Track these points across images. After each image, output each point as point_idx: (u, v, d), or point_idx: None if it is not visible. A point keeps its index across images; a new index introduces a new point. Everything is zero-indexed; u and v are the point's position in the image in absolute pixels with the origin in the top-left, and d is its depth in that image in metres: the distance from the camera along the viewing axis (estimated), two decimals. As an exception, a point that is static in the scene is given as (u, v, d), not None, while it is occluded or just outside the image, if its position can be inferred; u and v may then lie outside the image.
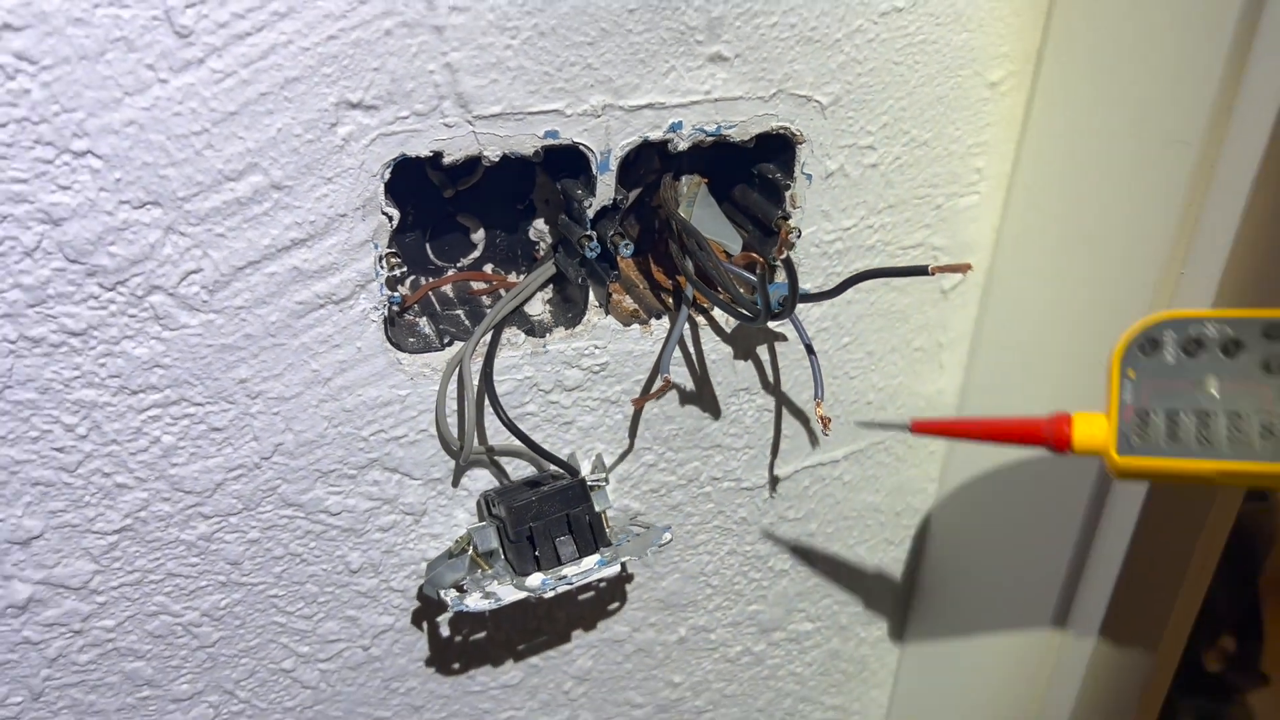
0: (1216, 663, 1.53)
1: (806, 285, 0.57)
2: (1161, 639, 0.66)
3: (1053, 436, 0.44)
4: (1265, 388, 0.41)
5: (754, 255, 0.49)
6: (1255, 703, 1.48)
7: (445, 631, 0.59)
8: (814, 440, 0.64)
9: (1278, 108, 0.47)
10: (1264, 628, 1.52)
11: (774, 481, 0.65)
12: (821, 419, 0.54)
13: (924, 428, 0.48)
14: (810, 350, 0.56)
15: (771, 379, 0.61)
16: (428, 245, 0.55)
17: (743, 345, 0.59)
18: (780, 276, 0.56)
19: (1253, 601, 1.52)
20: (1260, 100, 0.47)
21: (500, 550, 0.51)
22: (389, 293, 0.48)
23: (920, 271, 0.46)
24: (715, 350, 0.58)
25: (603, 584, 0.62)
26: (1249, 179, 0.48)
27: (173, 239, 0.43)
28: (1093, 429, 0.44)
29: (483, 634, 0.60)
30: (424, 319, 0.53)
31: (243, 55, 0.41)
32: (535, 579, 0.49)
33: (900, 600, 0.76)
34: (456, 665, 0.61)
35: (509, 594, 0.48)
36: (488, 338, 0.51)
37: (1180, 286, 0.52)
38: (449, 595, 0.49)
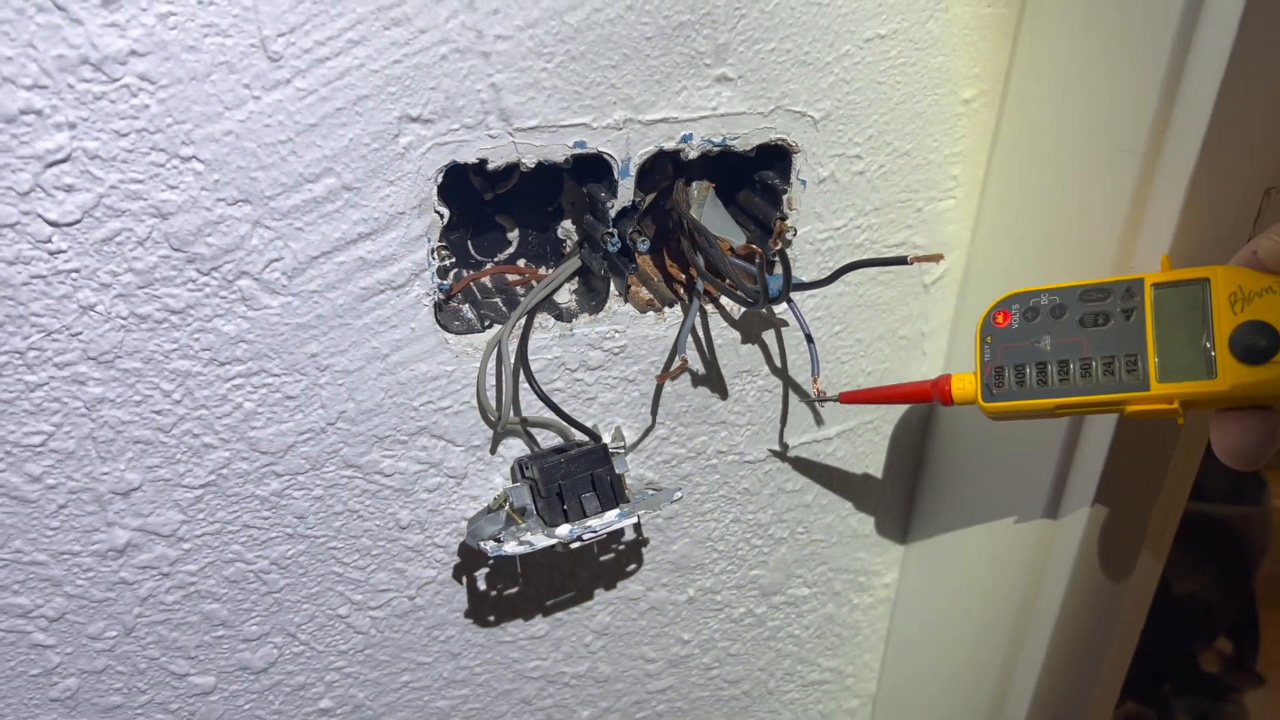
0: (1213, 664, 1.57)
1: (802, 277, 0.65)
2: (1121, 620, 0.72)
3: (939, 394, 0.57)
4: (1082, 338, 0.52)
5: (753, 247, 0.56)
6: (1251, 703, 1.52)
7: (481, 585, 0.66)
8: (810, 419, 0.71)
9: (1207, 120, 0.54)
10: (1260, 629, 1.57)
11: (773, 455, 0.72)
12: (818, 392, 0.62)
13: (850, 397, 0.62)
14: (809, 339, 0.63)
15: (772, 363, 0.68)
16: (470, 242, 0.62)
17: (746, 332, 0.66)
18: (779, 269, 0.63)
19: (1249, 603, 1.56)
20: (1193, 113, 0.54)
21: (532, 506, 0.58)
22: (439, 281, 0.56)
23: (900, 261, 0.54)
24: (721, 336, 0.65)
25: (621, 545, 0.70)
26: (1184, 183, 0.55)
27: (259, 231, 0.50)
28: (964, 384, 0.56)
29: (515, 589, 0.68)
30: (466, 305, 0.61)
31: (322, 76, 0.48)
32: (564, 529, 0.56)
33: (890, 568, 0.83)
34: (491, 617, 0.68)
35: (541, 541, 0.55)
36: (522, 322, 0.59)
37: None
38: (488, 545, 0.56)
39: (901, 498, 0.79)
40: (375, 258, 0.53)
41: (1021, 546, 0.70)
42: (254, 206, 0.50)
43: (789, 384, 0.69)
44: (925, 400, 0.59)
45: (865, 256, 0.66)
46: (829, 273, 0.60)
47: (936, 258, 0.54)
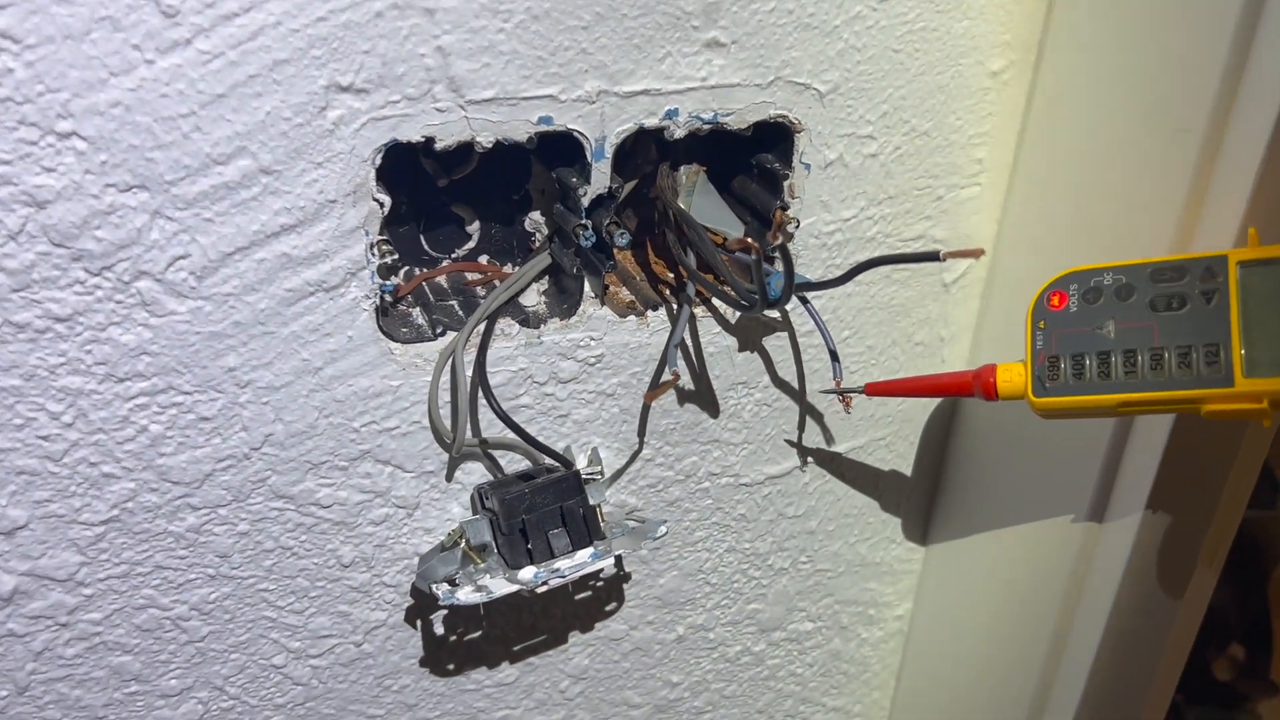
0: (1226, 671, 1.52)
1: (809, 276, 0.57)
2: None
3: (981, 387, 0.50)
4: (1152, 324, 0.45)
5: (749, 241, 0.48)
6: (1265, 712, 1.47)
7: (439, 628, 0.58)
8: (815, 436, 0.63)
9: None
10: (1273, 636, 1.51)
11: (772, 478, 0.64)
12: (842, 397, 0.55)
13: (877, 389, 0.55)
14: (833, 354, 0.56)
15: (771, 373, 0.60)
16: (422, 235, 0.54)
17: (741, 338, 0.58)
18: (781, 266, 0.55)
19: (1262, 610, 1.50)
20: (1266, 85, 0.46)
21: (493, 543, 0.50)
22: (380, 281, 0.48)
23: (933, 257, 0.46)
24: (713, 343, 0.57)
25: (599, 582, 0.62)
26: (1254, 167, 0.47)
27: (160, 223, 0.42)
28: (1012, 376, 0.49)
29: (478, 631, 0.60)
30: (417, 309, 0.52)
31: (230, 36, 0.40)
32: (527, 572, 0.48)
33: (903, 599, 0.75)
34: (451, 664, 0.60)
35: (501, 587, 0.47)
36: (481, 328, 0.51)
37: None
38: (440, 589, 0.48)
39: (916, 521, 0.72)
40: (302, 254, 0.45)
41: (1054, 573, 0.63)
42: (152, 194, 0.42)
43: (790, 397, 0.61)
44: (964, 393, 0.51)
45: (878, 252, 0.58)
46: (837, 271, 0.52)
47: (976, 253, 0.46)
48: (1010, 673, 0.68)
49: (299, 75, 0.42)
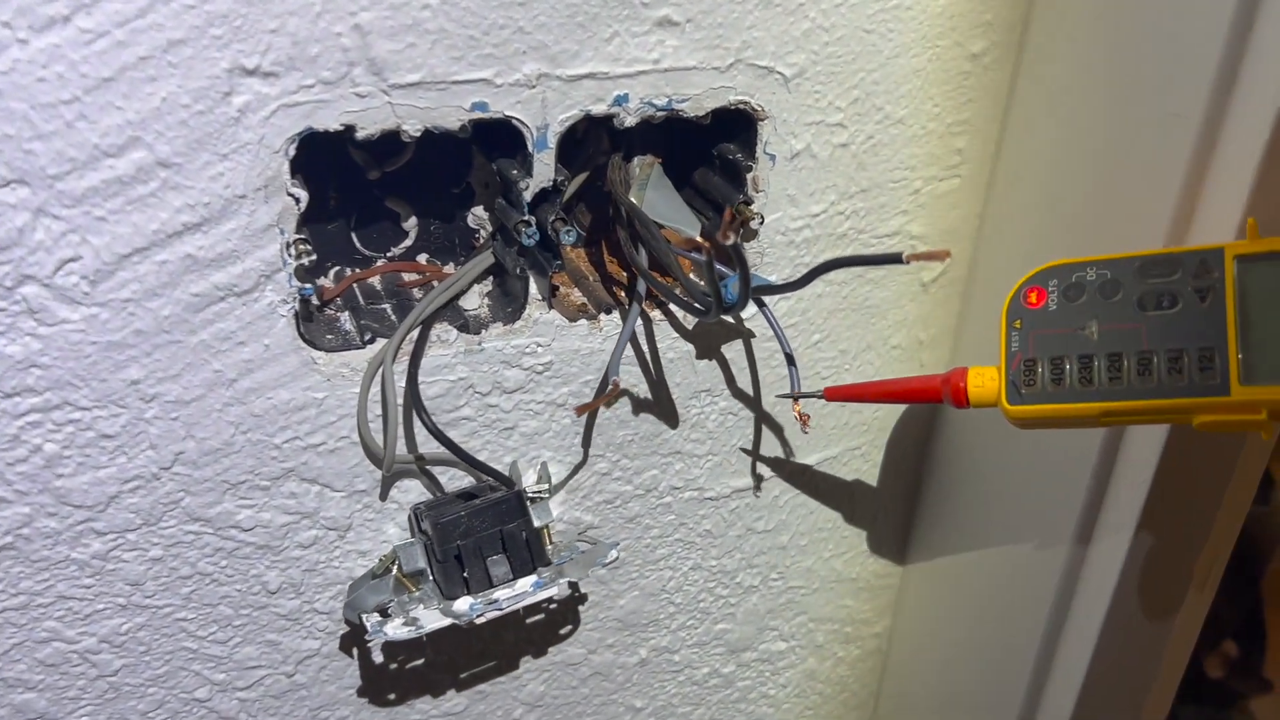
0: (1219, 669, 1.49)
1: (772, 276, 0.53)
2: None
3: (950, 392, 0.46)
4: (1139, 325, 0.42)
5: (698, 239, 0.44)
6: (1258, 709, 1.44)
7: (378, 656, 0.54)
8: (783, 446, 0.59)
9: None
10: (1267, 633, 1.48)
11: (739, 491, 0.60)
12: (799, 416, 0.50)
13: (836, 393, 0.50)
14: (789, 357, 0.51)
15: (736, 379, 0.56)
16: (354, 233, 0.50)
17: (704, 343, 0.54)
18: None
19: (1255, 606, 1.48)
20: (1269, 67, 0.42)
21: (428, 570, 0.46)
22: (299, 284, 0.43)
23: (895, 260, 0.41)
24: (674, 349, 0.53)
25: (553, 604, 0.57)
26: (1256, 155, 0.43)
27: (45, 222, 0.38)
28: (984, 381, 0.45)
29: (421, 659, 0.55)
30: (346, 314, 0.48)
31: (116, 13, 0.36)
32: (462, 603, 0.44)
33: (882, 616, 0.72)
34: (393, 693, 0.56)
35: (433, 620, 0.43)
36: (414, 335, 0.46)
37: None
38: (370, 620, 0.44)
39: (895, 535, 0.68)
40: (209, 255, 0.41)
41: (1041, 588, 0.59)
42: (34, 190, 0.38)
43: (758, 405, 0.57)
44: (932, 400, 0.47)
45: (850, 250, 0.54)
46: (804, 270, 0.47)
47: (942, 254, 0.41)
48: (995, 692, 0.65)
49: (197, 57, 0.38)
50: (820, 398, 0.50)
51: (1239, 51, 0.43)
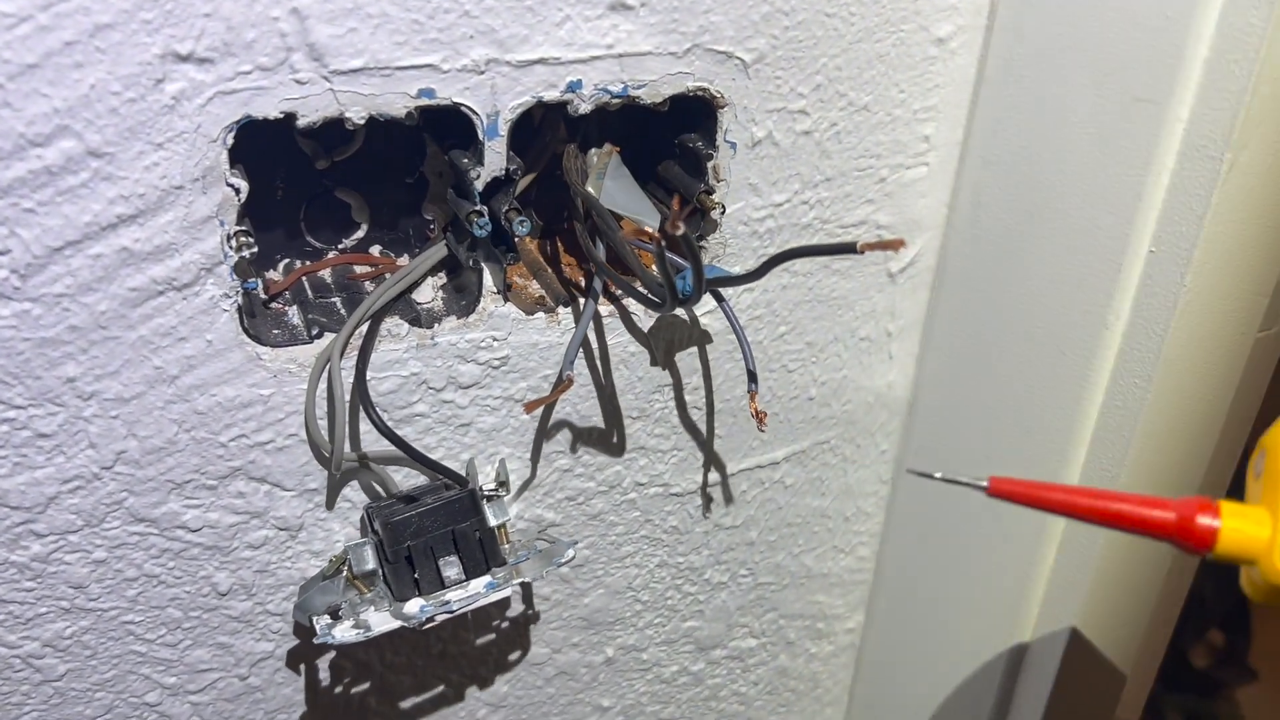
0: (1204, 658, 1.49)
1: (735, 268, 0.51)
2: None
3: (1188, 532, 0.35)
4: None
5: (647, 230, 0.43)
6: (1243, 698, 1.44)
7: (335, 657, 0.53)
8: (751, 440, 0.58)
9: (1259, 57, 0.41)
10: (1252, 622, 1.48)
11: (707, 486, 0.58)
12: (756, 414, 0.48)
13: (1004, 489, 0.37)
14: (741, 337, 0.50)
15: (700, 373, 0.55)
16: (303, 223, 0.48)
17: (666, 336, 0.53)
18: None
19: (1240, 596, 1.47)
20: (1234, 50, 0.41)
21: (380, 571, 0.45)
22: (241, 278, 0.42)
23: (849, 249, 0.40)
24: (634, 342, 0.52)
25: (510, 607, 0.56)
26: (1226, 139, 0.42)
27: (-31, 215, 0.37)
28: (1245, 525, 0.34)
29: (379, 661, 0.54)
30: (294, 308, 0.47)
31: (38, -5, 0.35)
32: (413, 605, 0.43)
33: (854, 612, 0.71)
34: (352, 695, 0.55)
35: (382, 623, 0.42)
36: (364, 329, 0.45)
37: (1151, 263, 0.46)
38: (320, 622, 0.43)
39: (867, 528, 0.67)
40: (145, 248, 0.40)
41: (1016, 576, 0.58)
42: (-43, 180, 0.36)
43: (725, 399, 0.56)
44: (1158, 536, 0.36)
45: (815, 241, 0.53)
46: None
47: (896, 244, 0.37)
48: (970, 685, 0.64)
49: (126, 42, 0.36)
50: (983, 490, 0.37)
51: (1202, 33, 0.42)
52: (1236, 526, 0.34)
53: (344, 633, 0.42)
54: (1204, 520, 0.34)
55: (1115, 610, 0.58)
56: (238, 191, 0.41)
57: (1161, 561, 0.57)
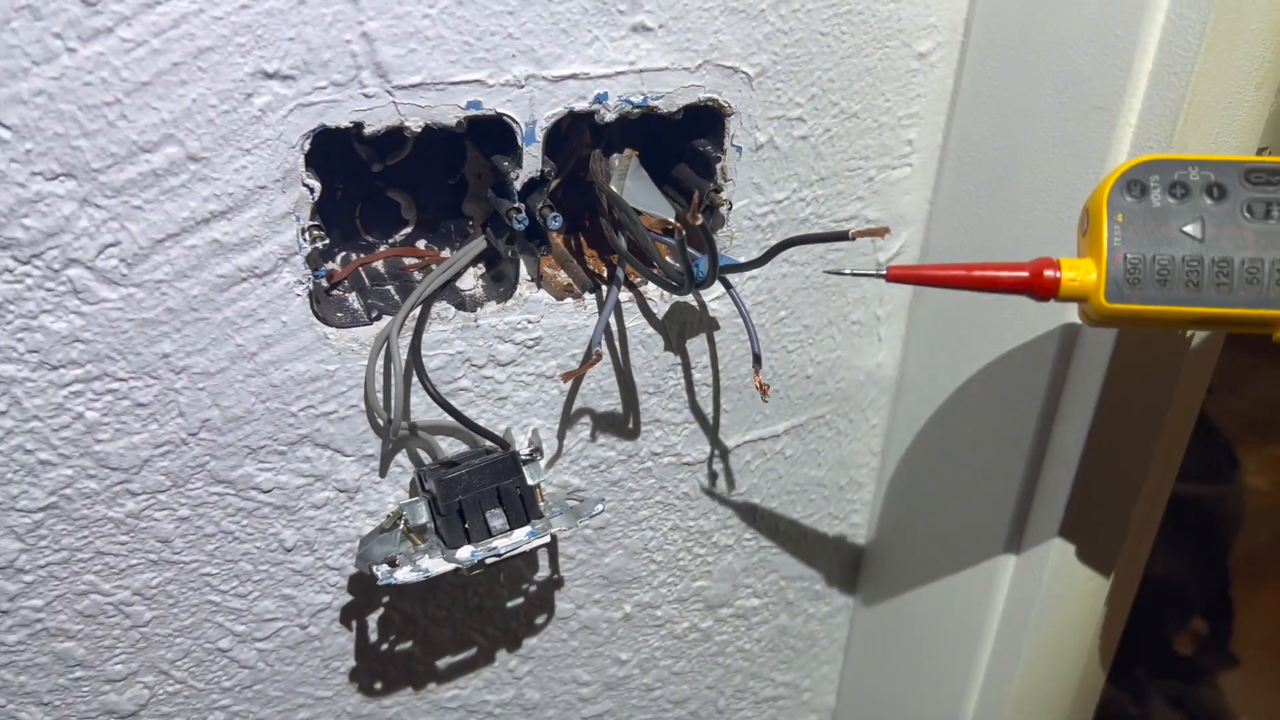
0: (1187, 645, 1.54)
1: (740, 257, 0.58)
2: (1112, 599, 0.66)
3: (1036, 284, 0.43)
4: (1248, 232, 0.41)
5: (669, 221, 0.49)
6: (1226, 685, 1.49)
7: (385, 610, 0.59)
8: (754, 414, 0.64)
9: (1193, 69, 0.47)
10: (1234, 609, 1.53)
11: (714, 456, 0.65)
12: (760, 386, 0.55)
13: (901, 275, 0.44)
14: (747, 319, 0.56)
15: (709, 353, 0.61)
16: (358, 220, 0.54)
17: (679, 320, 0.59)
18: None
19: (1222, 583, 1.53)
20: (1174, 63, 0.48)
21: (432, 524, 0.51)
22: (312, 267, 0.48)
23: (842, 237, 0.46)
24: (651, 325, 0.58)
25: (544, 562, 0.62)
26: (1168, 140, 0.49)
27: (89, 211, 0.43)
28: (1079, 275, 0.42)
29: (424, 613, 0.60)
30: (353, 294, 0.53)
31: (153, 24, 0.41)
32: (464, 551, 0.49)
33: (848, 574, 0.77)
34: (397, 646, 0.61)
35: (437, 566, 0.48)
36: (416, 312, 0.51)
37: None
38: (380, 569, 0.49)
39: (860, 496, 0.73)
40: (233, 240, 0.46)
41: (995, 541, 0.64)
42: (80, 182, 0.42)
43: (731, 377, 0.62)
44: (1014, 290, 0.43)
45: (810, 232, 0.59)
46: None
47: (881, 231, 0.44)
48: (956, 638, 0.69)
49: (224, 62, 0.42)
50: (883, 278, 0.45)
51: (1146, 51, 0.48)
52: (1073, 276, 0.42)
53: (404, 575, 0.48)
54: (1049, 273, 0.42)
55: (1078, 572, 0.63)
56: (312, 191, 0.46)
57: (1122, 529, 0.62)
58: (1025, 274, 0.43)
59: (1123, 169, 0.43)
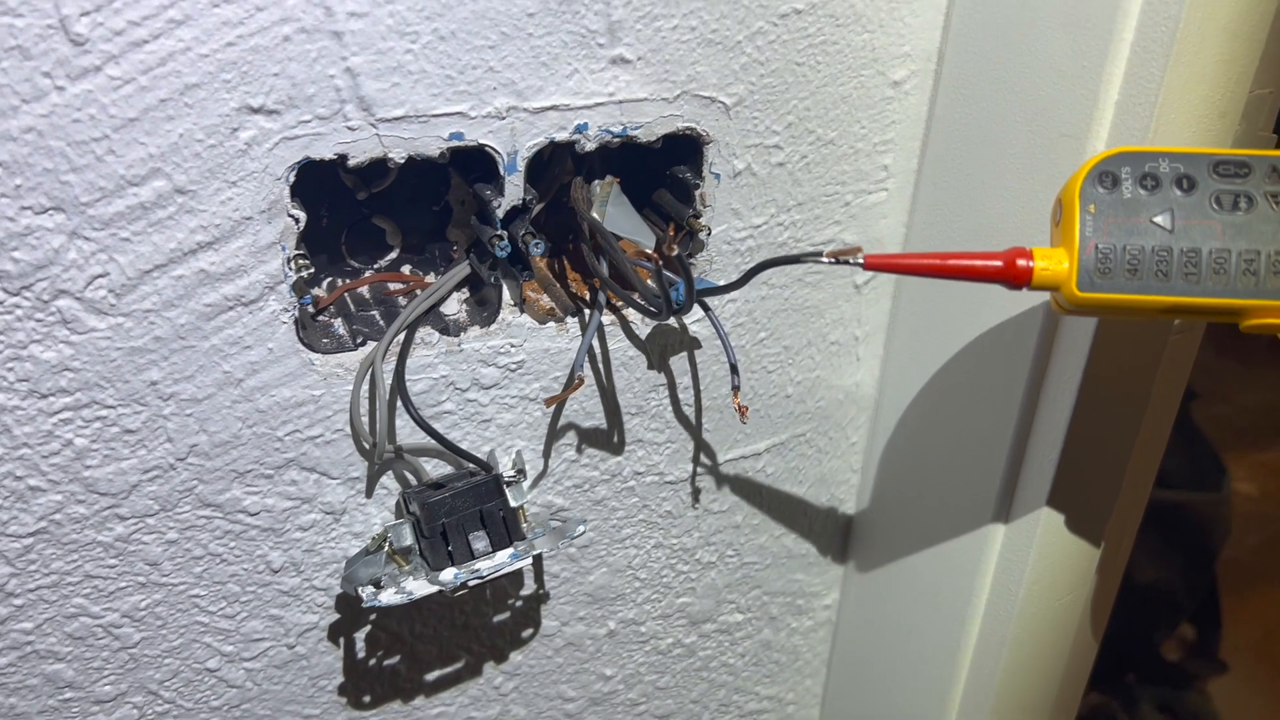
0: (1176, 652, 1.55)
1: (719, 281, 0.59)
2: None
3: (1011, 273, 0.43)
4: (1215, 223, 0.42)
5: (645, 250, 0.50)
6: (1214, 690, 1.50)
7: (372, 629, 0.60)
8: (735, 433, 0.65)
9: (1156, 102, 0.48)
10: (1222, 616, 1.55)
11: (697, 475, 0.66)
12: (739, 408, 0.56)
13: (878, 263, 0.45)
14: (726, 343, 0.57)
15: (690, 375, 0.62)
16: (344, 247, 0.55)
17: (661, 342, 0.60)
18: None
19: (1210, 590, 1.54)
20: (1139, 94, 0.49)
21: (416, 547, 0.52)
22: (297, 294, 0.49)
23: (817, 257, 0.46)
24: (633, 347, 0.59)
25: (529, 580, 0.63)
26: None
27: (77, 244, 0.44)
28: (1052, 265, 0.43)
29: (410, 631, 0.61)
30: (339, 320, 0.54)
31: (140, 62, 0.42)
32: (448, 573, 0.50)
33: (830, 588, 0.78)
34: (386, 662, 0.61)
35: (421, 588, 0.49)
36: (401, 337, 0.52)
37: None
38: (365, 591, 0.50)
39: (840, 513, 0.74)
40: (220, 270, 0.47)
41: (971, 555, 0.65)
42: (68, 215, 0.43)
43: (712, 397, 0.63)
44: (988, 279, 0.44)
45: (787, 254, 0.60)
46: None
47: (853, 250, 0.45)
48: (936, 650, 0.70)
49: (210, 98, 0.43)
50: (860, 266, 0.45)
51: (1110, 81, 0.50)
52: (1045, 265, 0.43)
53: (389, 597, 0.49)
54: (1022, 262, 0.43)
55: (1056, 585, 0.64)
56: (297, 221, 0.47)
57: (1096, 541, 0.63)
58: (999, 263, 0.44)
59: (1095, 160, 0.43)
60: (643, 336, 0.59)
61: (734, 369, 0.56)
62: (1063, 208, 0.44)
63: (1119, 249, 0.42)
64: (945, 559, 0.67)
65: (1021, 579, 0.63)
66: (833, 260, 0.46)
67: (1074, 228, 0.43)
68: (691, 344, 0.61)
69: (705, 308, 0.56)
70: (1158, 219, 0.43)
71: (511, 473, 0.54)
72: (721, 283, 0.56)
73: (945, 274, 0.45)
